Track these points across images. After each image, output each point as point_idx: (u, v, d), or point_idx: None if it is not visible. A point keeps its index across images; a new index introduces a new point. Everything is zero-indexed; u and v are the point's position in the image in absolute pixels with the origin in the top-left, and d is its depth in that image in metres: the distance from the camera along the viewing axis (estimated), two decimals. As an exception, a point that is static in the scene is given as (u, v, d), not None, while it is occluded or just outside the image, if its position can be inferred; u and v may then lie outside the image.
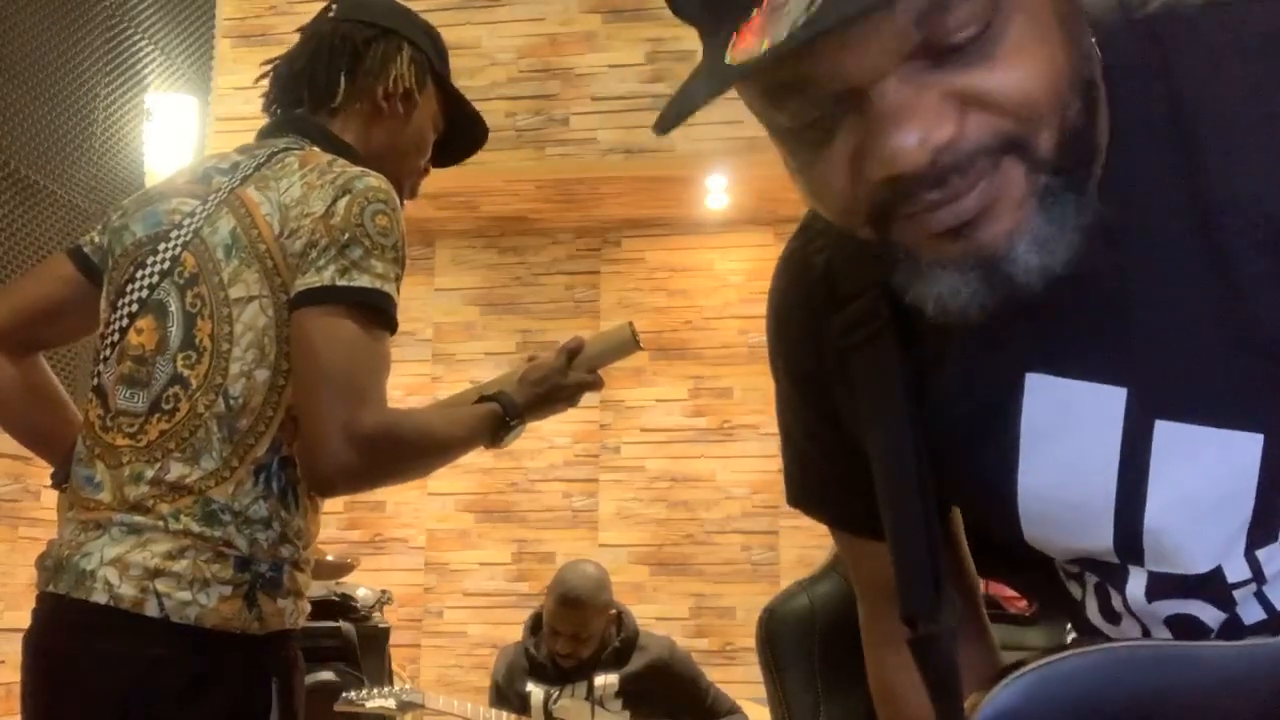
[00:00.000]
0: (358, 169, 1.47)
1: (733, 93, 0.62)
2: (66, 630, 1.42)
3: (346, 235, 1.40)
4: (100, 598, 1.37)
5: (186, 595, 1.37)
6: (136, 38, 4.14)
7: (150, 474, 1.42)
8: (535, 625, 3.45)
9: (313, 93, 1.61)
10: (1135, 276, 0.68)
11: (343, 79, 1.60)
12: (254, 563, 1.41)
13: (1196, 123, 0.68)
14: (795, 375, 0.86)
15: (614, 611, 3.38)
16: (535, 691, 3.34)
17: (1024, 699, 0.65)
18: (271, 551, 1.42)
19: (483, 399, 1.61)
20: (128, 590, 1.37)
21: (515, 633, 3.62)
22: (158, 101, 4.22)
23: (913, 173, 0.60)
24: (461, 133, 1.76)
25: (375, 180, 1.46)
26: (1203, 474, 0.68)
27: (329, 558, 3.71)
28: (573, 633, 3.26)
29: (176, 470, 1.41)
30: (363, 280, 1.39)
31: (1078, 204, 0.63)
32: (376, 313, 1.40)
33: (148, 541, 1.39)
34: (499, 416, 1.57)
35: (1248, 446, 0.67)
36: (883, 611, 0.86)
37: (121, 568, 1.38)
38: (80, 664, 1.40)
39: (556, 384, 1.65)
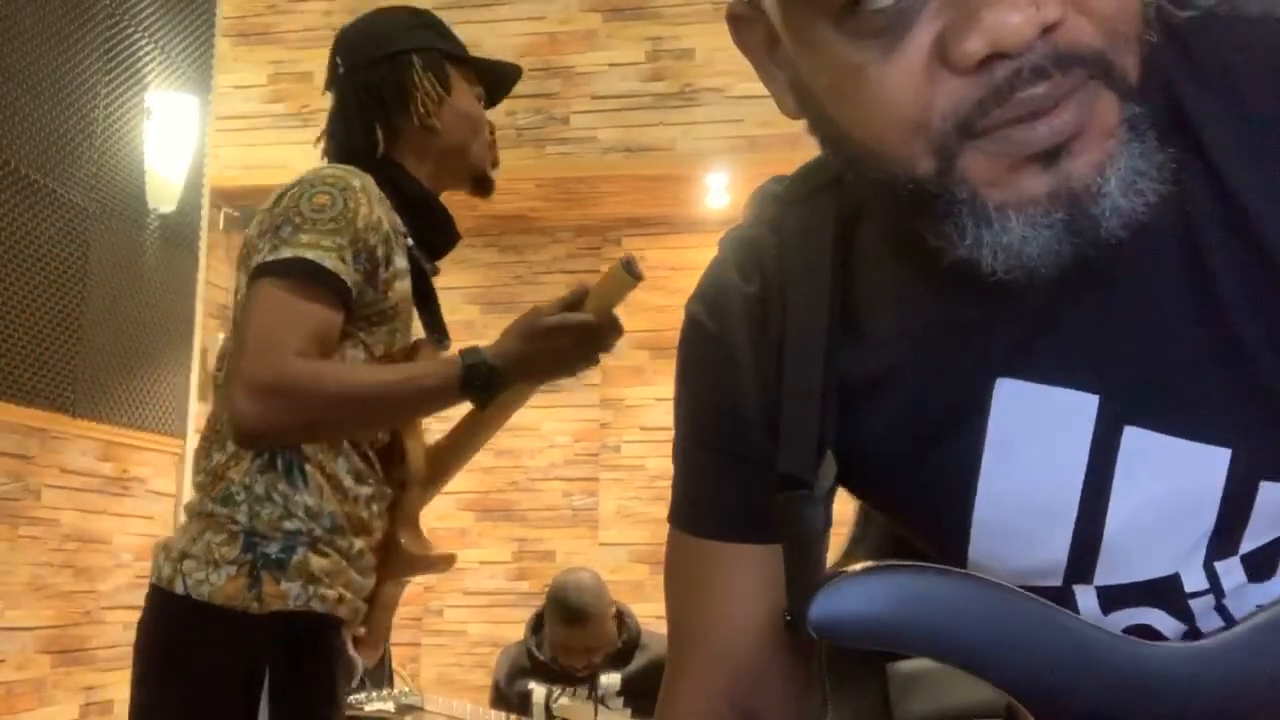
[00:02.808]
0: (328, 167, 1.59)
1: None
2: (144, 610, 1.61)
3: (281, 219, 1.49)
4: (154, 578, 1.55)
5: (202, 574, 1.50)
6: (136, 36, 4.14)
7: (201, 463, 1.59)
8: (537, 625, 3.44)
9: (363, 155, 1.65)
10: (1113, 280, 0.65)
11: (378, 130, 1.66)
12: (259, 541, 1.50)
13: (1185, 129, 0.65)
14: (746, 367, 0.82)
15: (615, 611, 3.38)
16: (537, 690, 3.34)
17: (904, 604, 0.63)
18: (273, 526, 1.50)
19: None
20: (167, 571, 1.52)
21: (515, 632, 3.61)
22: (158, 100, 4.21)
23: (1018, 49, 0.54)
24: (497, 80, 1.80)
25: (331, 170, 1.55)
26: (1167, 484, 0.67)
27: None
28: (586, 646, 3.24)
29: (216, 457, 1.57)
30: (285, 253, 1.46)
31: (1158, 141, 0.59)
32: (298, 276, 1.45)
33: (187, 525, 1.56)
34: (457, 363, 1.49)
35: (1214, 460, 0.66)
36: (710, 656, 0.81)
37: (167, 551, 1.54)
38: (137, 639, 1.58)
39: (547, 326, 1.52)
